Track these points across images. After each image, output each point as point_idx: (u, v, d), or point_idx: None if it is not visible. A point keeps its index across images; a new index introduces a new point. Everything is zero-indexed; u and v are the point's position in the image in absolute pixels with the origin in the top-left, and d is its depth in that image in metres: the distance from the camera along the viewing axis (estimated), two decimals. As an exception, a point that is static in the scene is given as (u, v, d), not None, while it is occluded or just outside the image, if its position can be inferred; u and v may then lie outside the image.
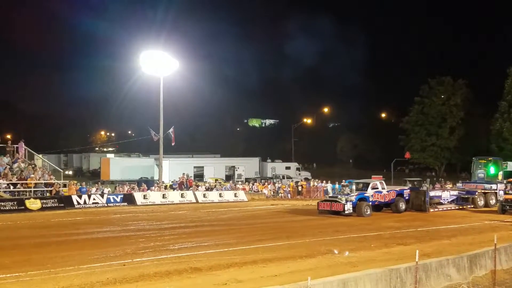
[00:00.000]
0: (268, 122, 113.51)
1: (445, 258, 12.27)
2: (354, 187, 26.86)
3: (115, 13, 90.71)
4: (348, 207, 25.00)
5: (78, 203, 29.64)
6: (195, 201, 33.77)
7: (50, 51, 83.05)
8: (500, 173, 31.64)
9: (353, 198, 25.40)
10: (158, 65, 35.50)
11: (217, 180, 44.36)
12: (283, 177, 49.67)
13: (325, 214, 25.77)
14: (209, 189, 37.04)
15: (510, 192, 27.55)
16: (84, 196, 30.30)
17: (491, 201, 29.85)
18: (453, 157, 55.03)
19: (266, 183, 41.06)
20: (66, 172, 53.52)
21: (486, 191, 30.22)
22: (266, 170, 55.17)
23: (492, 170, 31.65)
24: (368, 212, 25.32)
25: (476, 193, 29.91)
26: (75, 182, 34.52)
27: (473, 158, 33.32)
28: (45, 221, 23.66)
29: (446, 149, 54.15)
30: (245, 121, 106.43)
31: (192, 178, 41.42)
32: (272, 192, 38.64)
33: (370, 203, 25.91)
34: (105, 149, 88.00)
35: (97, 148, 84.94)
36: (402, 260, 12.47)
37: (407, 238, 18.18)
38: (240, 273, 12.47)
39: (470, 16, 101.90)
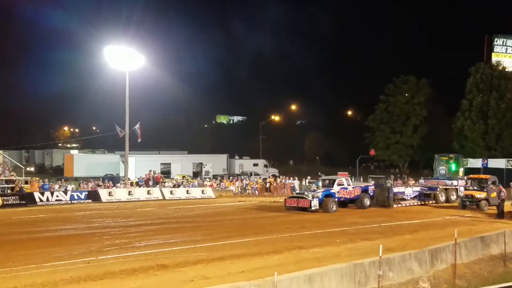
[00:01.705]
0: (236, 119, 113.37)
1: (407, 253, 12.58)
2: (320, 183, 27.15)
3: (78, 5, 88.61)
4: (315, 203, 25.24)
5: (41, 200, 28.99)
6: (161, 198, 33.48)
7: (8, 44, 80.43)
8: (461, 169, 32.54)
9: (320, 195, 25.65)
10: (124, 60, 34.90)
11: (184, 177, 44.05)
12: (251, 174, 49.77)
13: (292, 210, 25.93)
14: (176, 186, 36.77)
15: (470, 188, 28.42)
16: (47, 193, 29.62)
17: (452, 197, 30.65)
18: (416, 154, 56.25)
19: (233, 180, 41.04)
20: (28, 169, 52.24)
21: (447, 187, 31.02)
22: (233, 167, 55.12)
23: (453, 167, 32.50)
24: (334, 208, 25.64)
25: (438, 189, 30.65)
26: (38, 179, 33.72)
27: (435, 155, 34.12)
28: (6, 219, 23.03)
29: (409, 147, 55.28)
30: (211, 119, 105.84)
31: (160, 174, 41.01)
32: (239, 189, 38.65)
33: (336, 199, 26.22)
34: (68, 145, 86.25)
35: (60, 144, 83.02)
36: (366, 255, 12.68)
37: (371, 233, 18.51)
38: (207, 269, 12.46)
39: (434, 16, 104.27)
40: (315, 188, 26.72)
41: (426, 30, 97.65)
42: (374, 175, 34.45)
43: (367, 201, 27.64)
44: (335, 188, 26.48)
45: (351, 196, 27.30)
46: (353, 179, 30.50)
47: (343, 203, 27.29)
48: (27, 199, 28.62)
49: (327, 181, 27.36)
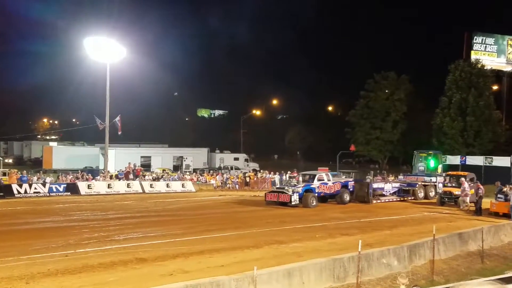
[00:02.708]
0: (217, 112, 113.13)
1: (386, 248, 12.69)
2: (301, 178, 27.25)
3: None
4: (295, 198, 25.34)
5: (19, 193, 28.59)
6: (141, 191, 33.25)
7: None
8: (440, 166, 32.97)
9: (300, 190, 25.76)
10: (105, 51, 34.52)
11: (165, 170, 43.82)
12: (232, 168, 49.73)
13: (272, 205, 25.99)
14: (156, 179, 36.56)
15: (449, 184, 28.84)
16: (25, 185, 29.22)
17: (430, 193, 31.03)
18: (396, 150, 56.70)
19: (214, 174, 40.94)
20: (6, 160, 51.44)
21: (426, 184, 31.38)
22: (214, 161, 54.98)
23: (432, 163, 32.90)
24: (314, 203, 25.77)
25: (417, 185, 30.99)
26: (16, 170, 33.23)
27: (414, 152, 34.47)
28: (-18, 211, 22.66)
29: (389, 142, 55.63)
30: (192, 113, 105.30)
31: (140, 167, 40.71)
32: (220, 183, 38.57)
33: (316, 194, 26.35)
34: (47, 137, 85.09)
35: (39, 136, 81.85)
36: (346, 250, 12.79)
37: (351, 228, 18.67)
38: (187, 263, 12.44)
39: (416, 14, 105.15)
40: (296, 183, 26.83)
41: (408, 28, 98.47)
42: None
43: (346, 197, 27.83)
44: (315, 183, 26.61)
45: (331, 191, 27.46)
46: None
47: (323, 198, 27.43)
48: (5, 191, 28.21)
49: (307, 176, 27.48)
